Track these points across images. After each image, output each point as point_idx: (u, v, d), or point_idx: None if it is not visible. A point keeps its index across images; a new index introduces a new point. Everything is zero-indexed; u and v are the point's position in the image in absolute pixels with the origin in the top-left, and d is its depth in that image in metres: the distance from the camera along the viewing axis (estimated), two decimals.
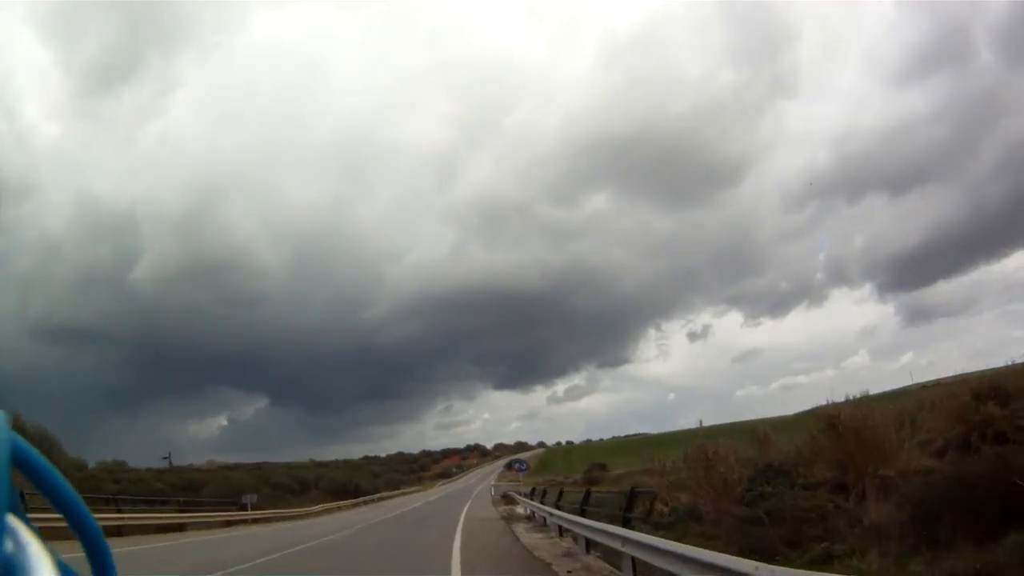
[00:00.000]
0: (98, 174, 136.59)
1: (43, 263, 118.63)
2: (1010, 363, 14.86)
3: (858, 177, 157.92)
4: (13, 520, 0.50)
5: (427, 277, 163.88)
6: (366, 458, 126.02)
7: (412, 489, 77.17)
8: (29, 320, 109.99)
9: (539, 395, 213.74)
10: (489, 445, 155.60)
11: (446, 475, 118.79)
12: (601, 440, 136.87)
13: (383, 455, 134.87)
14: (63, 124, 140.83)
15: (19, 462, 0.51)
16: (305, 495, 50.13)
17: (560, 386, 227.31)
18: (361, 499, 50.34)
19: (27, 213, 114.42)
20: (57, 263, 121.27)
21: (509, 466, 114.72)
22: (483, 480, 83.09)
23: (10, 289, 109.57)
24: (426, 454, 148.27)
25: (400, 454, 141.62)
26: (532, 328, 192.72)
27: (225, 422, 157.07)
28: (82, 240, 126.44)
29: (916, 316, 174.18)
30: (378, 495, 54.36)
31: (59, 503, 0.56)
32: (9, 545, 0.49)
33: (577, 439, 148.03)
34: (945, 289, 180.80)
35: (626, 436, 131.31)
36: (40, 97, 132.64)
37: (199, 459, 65.80)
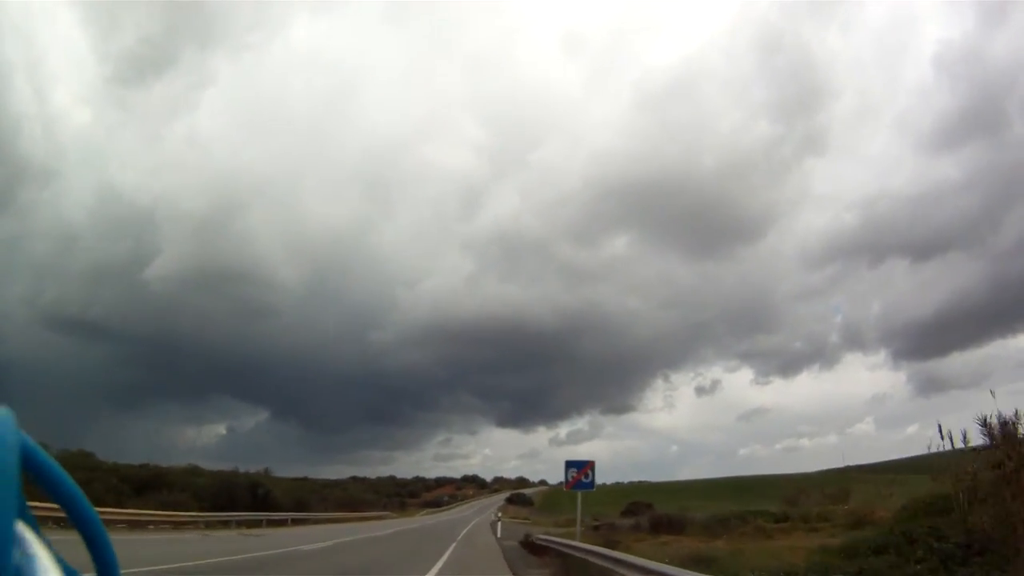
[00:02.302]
0: (122, 167, 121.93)
1: (57, 251, 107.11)
2: None
3: (881, 241, 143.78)
4: (22, 527, 0.47)
5: (440, 305, 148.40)
6: (354, 479, 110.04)
7: (381, 515, 50.55)
8: (39, 308, 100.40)
9: (541, 436, 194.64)
10: (487, 479, 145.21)
11: (436, 504, 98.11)
12: (605, 484, 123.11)
13: (373, 477, 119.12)
14: (92, 111, 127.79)
15: (27, 464, 0.48)
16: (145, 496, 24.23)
17: (563, 429, 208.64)
18: (244, 515, 24.18)
19: (46, 198, 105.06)
20: (72, 252, 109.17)
21: (512, 500, 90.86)
22: (481, 513, 56.48)
23: (22, 274, 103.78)
24: (419, 480, 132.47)
25: (392, 478, 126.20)
26: (540, 367, 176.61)
27: (223, 431, 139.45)
28: (99, 232, 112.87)
29: (927, 386, 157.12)
30: (291, 516, 28.05)
31: (66, 505, 0.53)
32: (18, 554, 0.46)
33: None
34: (959, 361, 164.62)
35: (629, 483, 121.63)
36: (72, 81, 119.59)
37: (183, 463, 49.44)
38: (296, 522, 28.12)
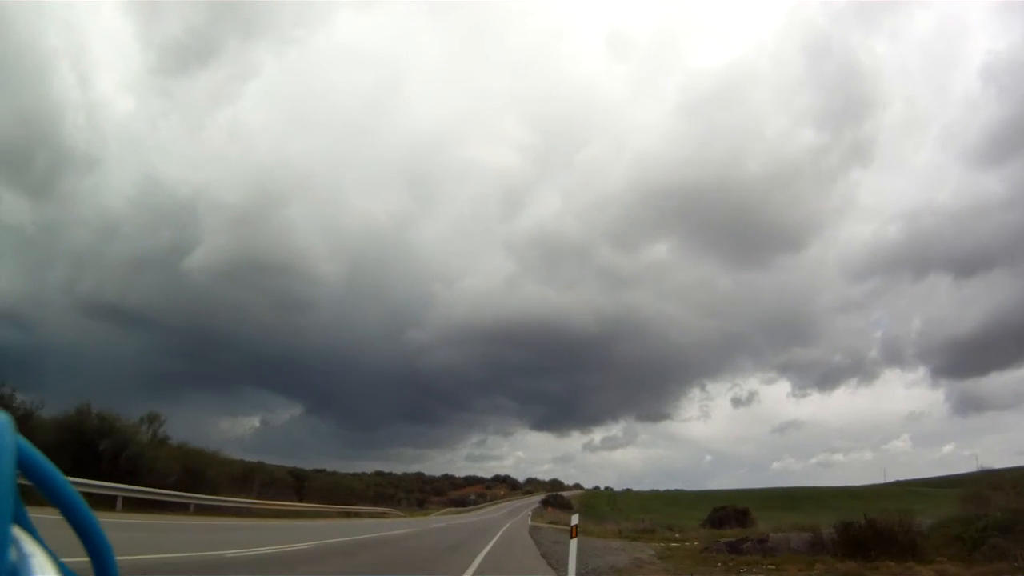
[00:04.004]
0: (164, 156, 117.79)
1: (98, 239, 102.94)
2: None
3: (924, 255, 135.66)
4: (17, 530, 0.45)
5: (479, 305, 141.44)
6: (378, 473, 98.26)
7: (383, 511, 35.59)
8: (79, 294, 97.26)
9: (575, 441, 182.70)
10: (520, 480, 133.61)
11: (461, 503, 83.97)
12: (640, 491, 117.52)
13: (398, 473, 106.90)
14: (136, 100, 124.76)
15: (23, 467, 0.46)
16: None
17: (597, 434, 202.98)
18: None
19: (88, 186, 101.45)
20: (112, 240, 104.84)
21: (548, 502, 75.42)
22: (513, 516, 41.24)
23: (63, 262, 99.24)
24: (447, 478, 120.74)
25: (419, 475, 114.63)
26: (576, 372, 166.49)
27: (258, 424, 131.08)
28: (139, 221, 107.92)
29: (965, 405, 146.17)
30: (131, 492, 13.14)
31: (63, 507, 0.51)
32: (13, 555, 0.44)
33: (613, 487, 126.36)
34: (999, 381, 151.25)
35: (665, 490, 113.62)
36: (116, 69, 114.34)
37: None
38: (152, 506, 13.54)
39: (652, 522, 40.26)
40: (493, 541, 16.52)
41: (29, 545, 0.46)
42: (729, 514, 36.53)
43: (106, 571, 0.53)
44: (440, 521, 32.28)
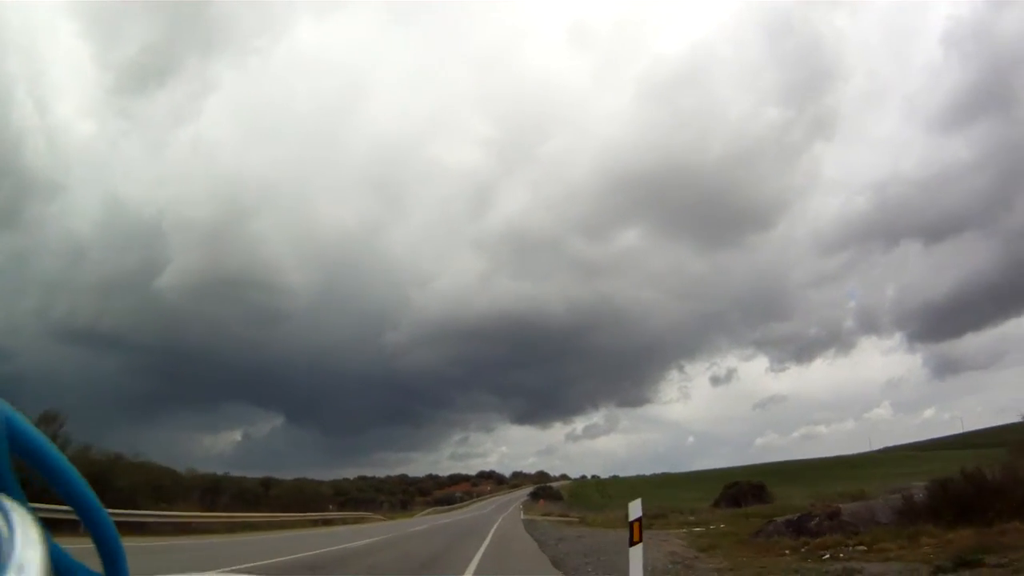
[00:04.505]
0: (127, 177, 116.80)
1: (67, 264, 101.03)
2: None
3: (894, 224, 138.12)
4: (6, 500, 0.43)
5: (453, 304, 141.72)
6: (361, 478, 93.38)
7: (361, 516, 31.69)
8: (50, 320, 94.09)
9: (557, 431, 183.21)
10: (506, 475, 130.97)
11: (447, 501, 78.07)
12: (627, 477, 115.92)
13: (382, 476, 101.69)
14: (96, 123, 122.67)
15: (16, 441, 0.43)
16: None
17: (579, 424, 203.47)
18: None
19: (54, 212, 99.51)
20: (81, 265, 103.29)
21: (537, 494, 72.35)
22: (502, 511, 38.01)
23: (32, 287, 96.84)
24: (431, 478, 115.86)
25: (403, 477, 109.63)
26: (554, 363, 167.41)
27: (239, 438, 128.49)
28: (107, 244, 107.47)
29: (943, 368, 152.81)
30: None
31: (61, 486, 0.47)
32: (1, 526, 0.42)
33: (600, 475, 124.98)
34: (974, 342, 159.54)
35: (652, 474, 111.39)
36: (75, 93, 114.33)
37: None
38: None
39: (660, 506, 37.15)
40: (485, 544, 12.99)
41: (17, 515, 0.43)
42: (744, 490, 33.71)
43: (107, 546, 0.50)
44: (423, 523, 28.59)
